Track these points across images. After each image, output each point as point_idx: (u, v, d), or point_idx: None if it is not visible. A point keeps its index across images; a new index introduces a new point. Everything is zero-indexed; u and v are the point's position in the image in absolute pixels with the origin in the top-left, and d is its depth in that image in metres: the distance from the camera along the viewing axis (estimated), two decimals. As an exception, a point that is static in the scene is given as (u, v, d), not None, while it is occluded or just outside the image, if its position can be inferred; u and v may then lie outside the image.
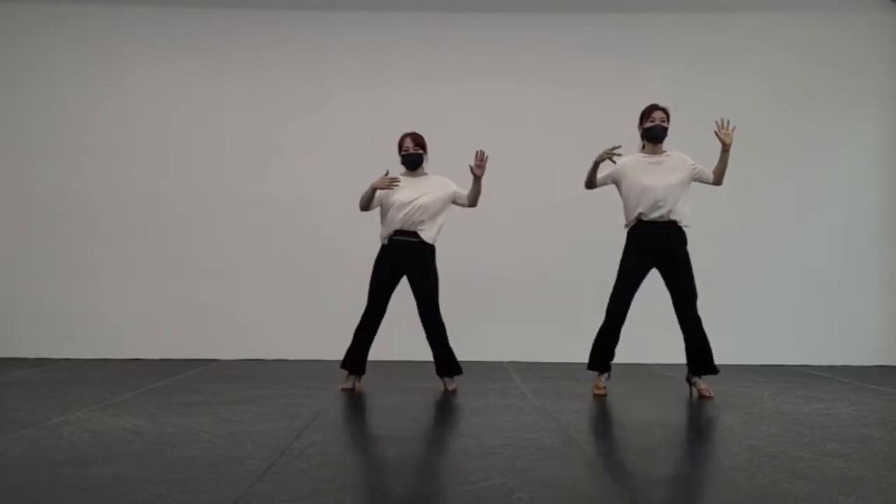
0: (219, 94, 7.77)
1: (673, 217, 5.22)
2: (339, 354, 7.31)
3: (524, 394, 5.45)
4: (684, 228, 5.28)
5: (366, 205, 5.54)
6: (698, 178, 5.32)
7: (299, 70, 7.79)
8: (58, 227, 7.63)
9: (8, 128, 7.72)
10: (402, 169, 5.58)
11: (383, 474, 3.24)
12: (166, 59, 7.77)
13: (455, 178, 5.61)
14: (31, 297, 7.58)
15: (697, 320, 5.29)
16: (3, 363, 6.97)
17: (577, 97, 7.71)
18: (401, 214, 5.40)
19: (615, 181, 5.40)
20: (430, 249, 5.49)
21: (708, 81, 7.63)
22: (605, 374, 5.52)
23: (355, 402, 5.23)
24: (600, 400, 5.27)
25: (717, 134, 5.19)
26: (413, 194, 5.42)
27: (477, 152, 5.38)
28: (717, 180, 5.30)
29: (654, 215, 5.23)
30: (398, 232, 5.44)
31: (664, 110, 5.32)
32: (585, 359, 7.25)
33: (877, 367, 7.37)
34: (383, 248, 5.53)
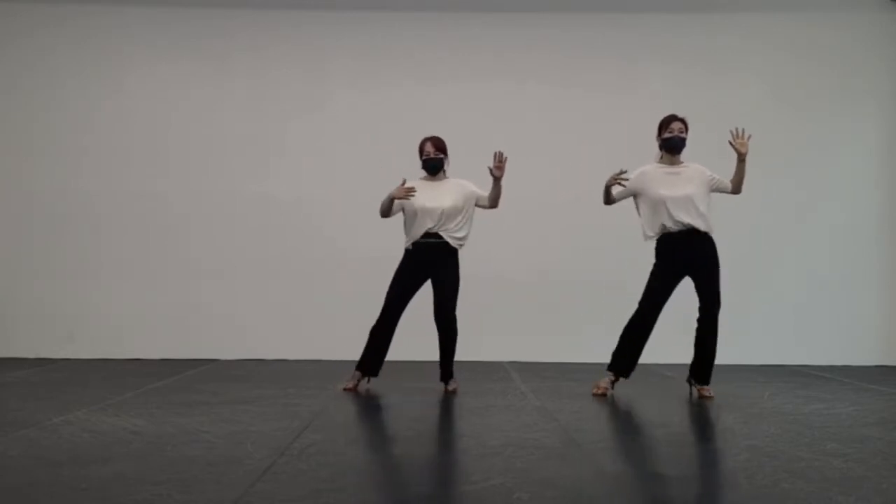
0: (219, 94, 7.77)
1: (695, 225, 5.19)
2: (339, 354, 7.34)
3: (524, 394, 5.45)
4: (709, 234, 5.25)
5: (385, 213, 5.53)
6: (717, 189, 5.29)
7: (299, 70, 7.79)
8: (58, 227, 7.63)
9: (8, 128, 7.72)
10: (423, 173, 5.57)
11: (383, 474, 3.24)
12: (166, 59, 7.77)
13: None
14: (31, 297, 7.58)
15: (714, 330, 5.24)
16: (3, 363, 6.97)
17: (577, 97, 7.71)
18: (428, 220, 5.38)
19: (634, 194, 5.36)
20: (454, 254, 5.49)
21: (708, 81, 7.63)
22: (618, 379, 5.44)
23: (355, 402, 5.23)
24: (600, 400, 5.27)
25: (731, 144, 5.17)
26: (437, 200, 5.41)
27: (495, 153, 5.34)
28: (736, 189, 5.28)
29: (678, 227, 5.20)
30: (425, 235, 5.42)
31: (682, 121, 5.31)
32: (585, 359, 7.31)
33: (877, 367, 7.37)
34: (407, 252, 5.52)
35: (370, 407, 5.10)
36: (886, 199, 7.72)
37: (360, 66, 7.77)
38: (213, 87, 7.78)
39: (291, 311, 7.59)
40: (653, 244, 5.33)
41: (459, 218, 5.45)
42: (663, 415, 4.87)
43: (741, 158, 5.17)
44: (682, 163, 5.34)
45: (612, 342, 7.33)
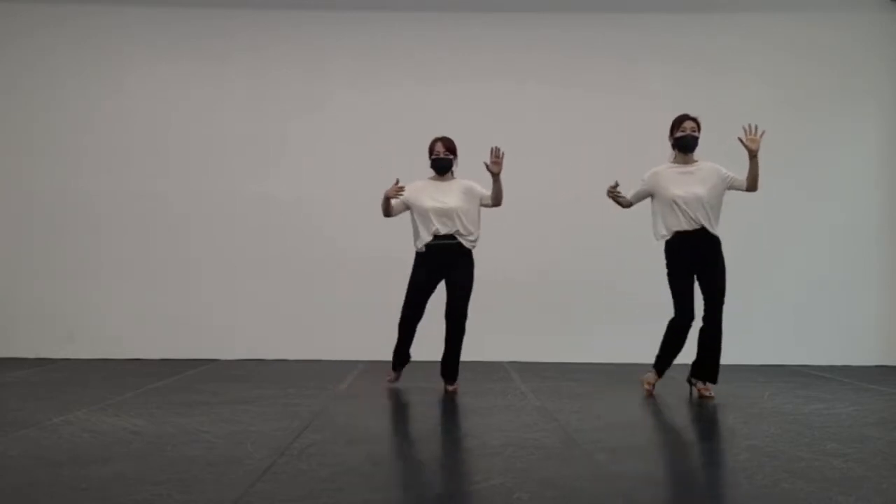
0: (219, 94, 7.77)
1: (705, 225, 5.21)
2: (339, 354, 7.37)
3: (524, 394, 5.45)
4: (718, 235, 5.26)
5: (386, 212, 5.53)
6: (731, 186, 5.30)
7: (299, 70, 7.79)
8: (58, 227, 7.63)
9: (8, 128, 7.72)
10: (430, 172, 5.57)
11: (383, 474, 3.24)
12: (166, 59, 7.77)
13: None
14: (31, 297, 7.58)
15: (719, 329, 5.25)
16: (3, 363, 6.97)
17: (577, 97, 7.71)
18: (438, 220, 5.39)
19: (649, 194, 5.39)
20: (468, 254, 5.49)
21: (708, 81, 7.63)
22: (660, 377, 5.50)
23: (355, 402, 5.24)
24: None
25: (741, 140, 5.17)
26: (448, 200, 5.42)
27: (492, 149, 5.35)
28: (751, 186, 5.26)
29: (689, 226, 5.21)
30: (437, 237, 5.43)
31: (695, 120, 5.32)
32: (585, 359, 7.34)
33: (877, 367, 7.37)
34: (419, 254, 5.51)
35: (370, 407, 5.10)
36: (886, 199, 7.71)
37: (360, 66, 7.77)
38: (213, 87, 7.78)
39: (291, 311, 7.59)
40: (661, 244, 5.35)
41: (470, 218, 5.45)
42: (663, 415, 4.87)
43: (753, 155, 5.16)
44: (696, 162, 5.35)
45: (612, 342, 7.40)
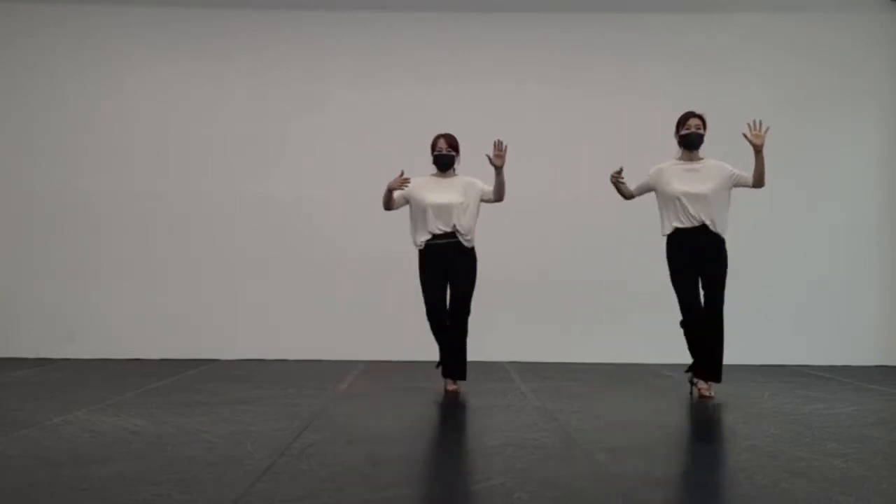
0: (219, 94, 7.77)
1: (706, 223, 5.21)
2: (339, 354, 7.37)
3: (524, 394, 5.45)
4: (721, 234, 5.26)
5: (387, 205, 5.52)
6: (738, 184, 5.30)
7: (299, 70, 7.79)
8: (58, 227, 7.63)
9: (8, 128, 7.71)
10: (432, 169, 5.57)
11: (383, 475, 3.24)
12: (166, 59, 7.77)
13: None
14: (31, 297, 7.58)
15: (718, 325, 5.25)
16: (3, 363, 6.97)
17: (577, 97, 7.71)
18: (437, 217, 5.39)
19: (652, 189, 5.40)
20: (471, 252, 5.49)
21: (708, 81, 7.63)
22: (697, 377, 5.44)
23: (355, 402, 5.23)
24: (601, 400, 5.28)
25: (745, 136, 5.16)
26: (447, 197, 5.41)
27: (495, 142, 5.35)
28: (758, 183, 5.26)
29: (688, 223, 5.22)
30: (436, 236, 5.42)
31: (700, 117, 5.33)
32: (586, 359, 7.34)
33: (877, 367, 7.37)
34: (422, 252, 5.50)
35: (370, 407, 5.10)
36: (886, 199, 7.71)
37: (360, 66, 7.77)
38: (213, 87, 7.78)
39: (291, 311, 7.59)
40: (663, 241, 5.36)
41: (469, 214, 5.45)
42: (663, 415, 4.87)
43: (758, 151, 5.16)
44: (702, 159, 5.36)
45: (612, 342, 7.40)
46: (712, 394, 5.30)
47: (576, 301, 7.55)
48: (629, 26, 7.77)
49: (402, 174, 5.39)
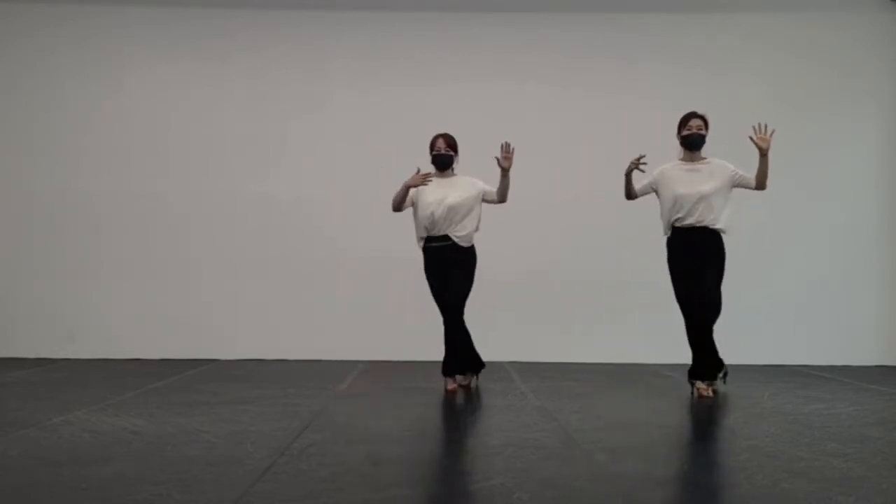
0: (219, 94, 7.77)
1: (705, 223, 5.22)
2: (339, 354, 7.37)
3: (524, 394, 5.45)
4: (720, 233, 5.26)
5: (398, 205, 5.52)
6: (739, 184, 5.31)
7: (299, 70, 7.79)
8: (58, 227, 7.63)
9: (8, 128, 7.71)
10: (432, 169, 5.57)
11: (383, 475, 3.24)
12: (166, 59, 7.77)
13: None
14: (31, 297, 7.58)
15: (713, 312, 5.26)
16: (3, 363, 6.97)
17: (577, 97, 7.71)
18: (430, 216, 5.40)
19: (654, 189, 5.41)
20: (469, 251, 5.49)
21: (708, 81, 7.63)
22: (716, 378, 5.46)
23: (355, 402, 5.23)
24: (601, 400, 5.28)
25: (752, 139, 5.17)
26: (441, 195, 5.42)
27: (503, 144, 5.36)
28: (760, 185, 5.28)
29: (687, 222, 5.23)
30: (431, 238, 5.44)
31: (702, 118, 5.33)
32: (586, 359, 7.33)
33: (877, 367, 7.37)
34: (424, 251, 5.53)
35: (370, 407, 5.10)
36: (886, 199, 7.71)
37: (360, 66, 7.77)
38: (213, 87, 7.78)
39: (291, 311, 7.59)
40: (663, 242, 5.38)
41: (466, 215, 5.45)
42: (663, 415, 4.87)
43: (763, 154, 5.17)
44: (704, 159, 5.36)
45: (612, 342, 7.39)
46: (710, 393, 5.30)
47: (576, 301, 7.55)
48: (629, 26, 7.77)
49: (418, 171, 5.39)
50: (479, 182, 5.54)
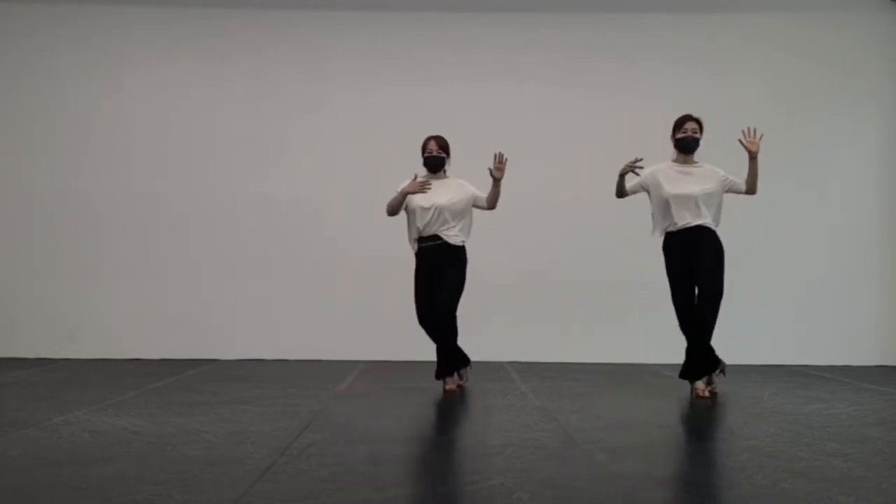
0: (219, 94, 7.77)
1: (698, 224, 5.20)
2: (339, 354, 7.37)
3: (524, 394, 5.45)
4: (712, 227, 5.26)
5: (394, 210, 5.52)
6: (730, 189, 5.31)
7: (299, 70, 7.79)
8: (58, 227, 7.63)
9: (8, 128, 7.71)
10: (424, 171, 5.57)
11: (383, 475, 3.24)
12: (166, 59, 7.77)
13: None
14: (31, 297, 7.58)
15: (708, 321, 5.20)
16: (3, 363, 6.97)
17: (577, 97, 7.71)
18: (422, 218, 5.41)
19: (645, 189, 5.40)
20: (459, 251, 5.50)
21: (708, 81, 7.63)
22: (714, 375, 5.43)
23: (355, 402, 5.23)
24: (601, 400, 5.28)
25: (741, 143, 5.17)
26: (433, 197, 5.42)
27: (496, 154, 5.37)
28: (750, 189, 5.28)
29: (680, 224, 5.22)
30: (423, 239, 5.45)
31: (697, 121, 5.32)
32: (585, 359, 7.33)
33: (877, 367, 7.37)
34: (416, 255, 5.54)
35: (370, 407, 5.10)
36: (886, 199, 7.71)
37: (360, 66, 7.77)
38: (213, 87, 7.78)
39: (291, 311, 7.59)
40: (659, 241, 5.36)
41: (457, 217, 5.46)
42: (663, 415, 4.87)
43: (752, 157, 5.17)
44: (697, 163, 5.35)
45: (612, 342, 7.40)
46: (707, 393, 5.28)
47: (576, 301, 7.55)
48: (629, 26, 7.77)
49: (415, 178, 5.40)
50: (471, 186, 5.55)
